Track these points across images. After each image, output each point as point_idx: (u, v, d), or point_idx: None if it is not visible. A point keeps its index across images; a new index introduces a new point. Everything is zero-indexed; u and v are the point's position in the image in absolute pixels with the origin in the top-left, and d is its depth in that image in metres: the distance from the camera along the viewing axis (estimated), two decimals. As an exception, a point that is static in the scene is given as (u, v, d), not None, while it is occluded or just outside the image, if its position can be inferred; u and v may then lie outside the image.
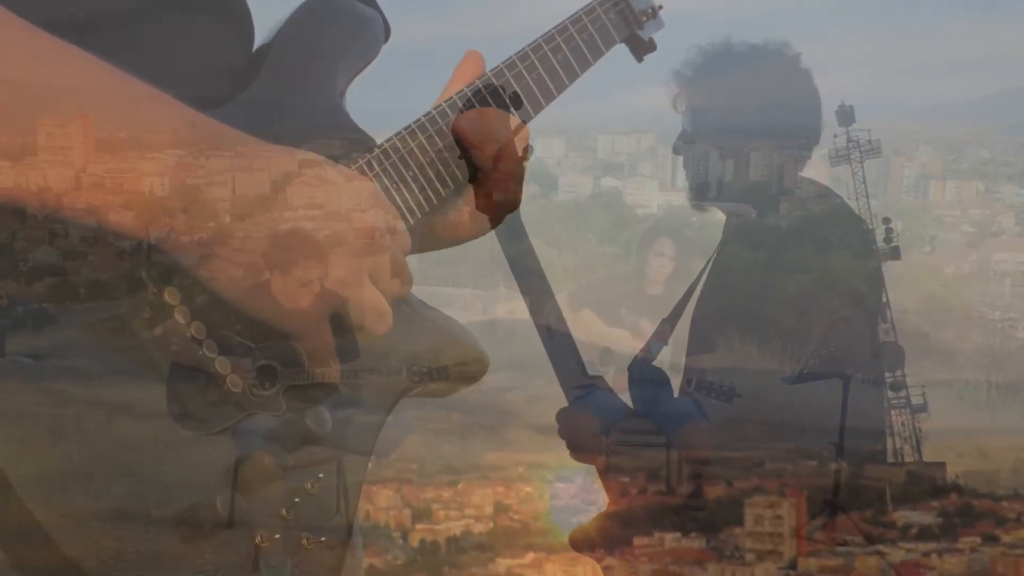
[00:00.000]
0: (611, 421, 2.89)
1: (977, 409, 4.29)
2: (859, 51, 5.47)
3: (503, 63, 1.31)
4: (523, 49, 1.32)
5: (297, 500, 1.15)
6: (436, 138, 1.25)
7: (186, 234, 1.08)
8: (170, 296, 1.09)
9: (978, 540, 3.06)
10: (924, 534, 3.06)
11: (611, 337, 3.56)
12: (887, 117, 5.29)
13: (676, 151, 3.12)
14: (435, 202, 1.25)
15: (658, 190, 4.75)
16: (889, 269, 4.85)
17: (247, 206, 1.09)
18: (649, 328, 3.10)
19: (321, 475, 1.17)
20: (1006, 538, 3.09)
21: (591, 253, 4.66)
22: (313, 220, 1.11)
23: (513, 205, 1.30)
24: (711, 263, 3.07)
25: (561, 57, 1.33)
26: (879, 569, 2.95)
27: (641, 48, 1.43)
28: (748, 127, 3.04)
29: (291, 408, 1.15)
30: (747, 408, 2.92)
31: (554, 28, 1.34)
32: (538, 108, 1.32)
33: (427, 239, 1.31)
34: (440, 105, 1.27)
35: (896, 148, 5.09)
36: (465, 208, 1.29)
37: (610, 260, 4.60)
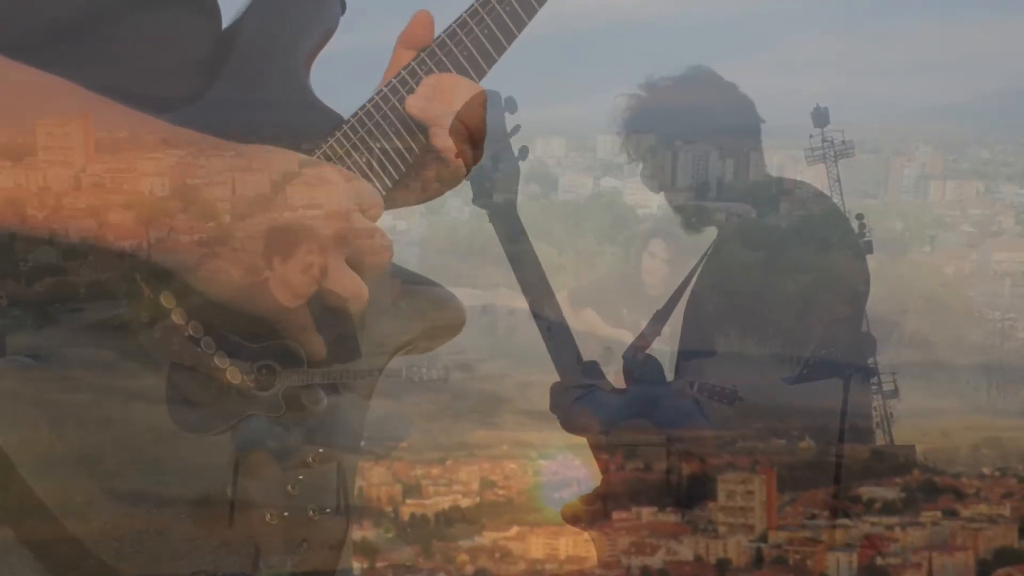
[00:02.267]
0: (612, 420, 2.92)
1: (977, 406, 4.30)
2: (859, 51, 5.48)
3: (455, 22, 1.30)
4: (472, 5, 1.30)
5: (301, 477, 1.17)
6: (399, 106, 1.26)
7: (186, 234, 1.08)
8: (166, 299, 1.11)
9: (939, 514, 3.20)
10: (888, 508, 3.19)
11: (613, 337, 3.57)
12: (887, 117, 5.29)
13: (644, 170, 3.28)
14: (407, 168, 1.25)
15: (693, 194, 4.73)
16: (890, 269, 4.85)
17: (246, 206, 1.09)
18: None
19: (321, 449, 1.19)
20: (965, 512, 3.22)
21: (591, 253, 4.66)
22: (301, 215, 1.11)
23: (476, 160, 1.30)
24: (705, 260, 3.13)
25: (508, 7, 1.31)
26: (846, 541, 3.06)
27: None
28: (701, 137, 3.21)
29: (290, 409, 1.16)
30: (744, 405, 2.97)
31: None
32: (492, 62, 1.31)
33: (400, 197, 1.31)
34: (400, 73, 1.27)
35: (896, 148, 5.09)
36: (430, 170, 1.29)
37: (610, 260, 4.60)
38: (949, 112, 5.27)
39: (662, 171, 3.25)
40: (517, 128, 2.61)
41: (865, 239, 3.27)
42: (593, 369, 2.91)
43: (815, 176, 3.45)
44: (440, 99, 1.25)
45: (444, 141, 1.25)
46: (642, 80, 3.19)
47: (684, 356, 3.04)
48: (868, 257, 3.25)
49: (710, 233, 3.20)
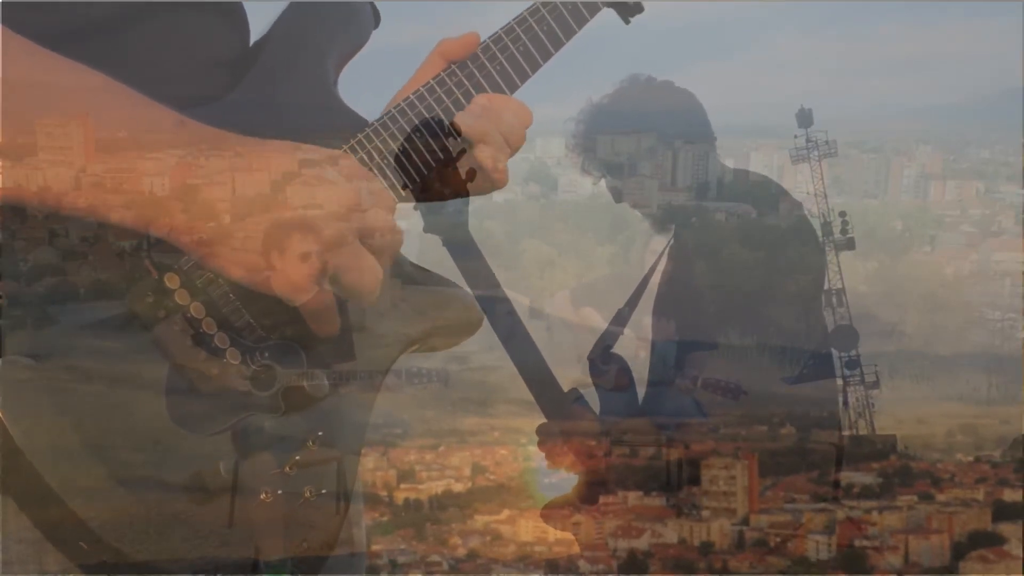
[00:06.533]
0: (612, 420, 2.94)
1: (976, 402, 4.32)
2: (859, 51, 5.47)
3: (490, 38, 1.33)
4: (508, 23, 1.33)
5: (298, 457, 1.18)
6: (426, 113, 1.28)
7: (186, 234, 1.08)
8: (170, 281, 1.12)
9: (915, 498, 3.30)
10: (866, 493, 3.31)
11: (609, 335, 3.57)
12: (887, 117, 5.29)
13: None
14: (429, 170, 1.27)
15: (658, 190, 4.74)
16: (890, 269, 4.84)
17: (247, 206, 1.10)
18: (649, 327, 3.13)
19: (321, 432, 1.20)
20: (940, 496, 3.32)
21: (591, 253, 4.66)
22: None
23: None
24: (666, 251, 3.17)
25: (546, 27, 1.34)
26: (825, 525, 3.14)
27: (627, 10, 1.44)
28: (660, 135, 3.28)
29: (290, 408, 1.16)
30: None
31: (538, 0, 1.35)
32: (525, 78, 1.34)
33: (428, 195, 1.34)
34: (429, 82, 1.29)
35: (896, 148, 5.09)
36: (465, 176, 1.32)
37: (610, 260, 4.61)
38: (949, 112, 5.27)
39: (623, 184, 3.31)
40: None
41: (848, 236, 3.33)
42: (579, 401, 2.92)
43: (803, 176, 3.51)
44: (489, 117, 1.27)
45: (489, 158, 1.28)
46: (583, 104, 3.24)
47: (658, 350, 3.07)
48: (851, 253, 3.37)
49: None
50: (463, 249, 2.42)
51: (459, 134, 1.28)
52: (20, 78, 1.06)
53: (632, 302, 3.10)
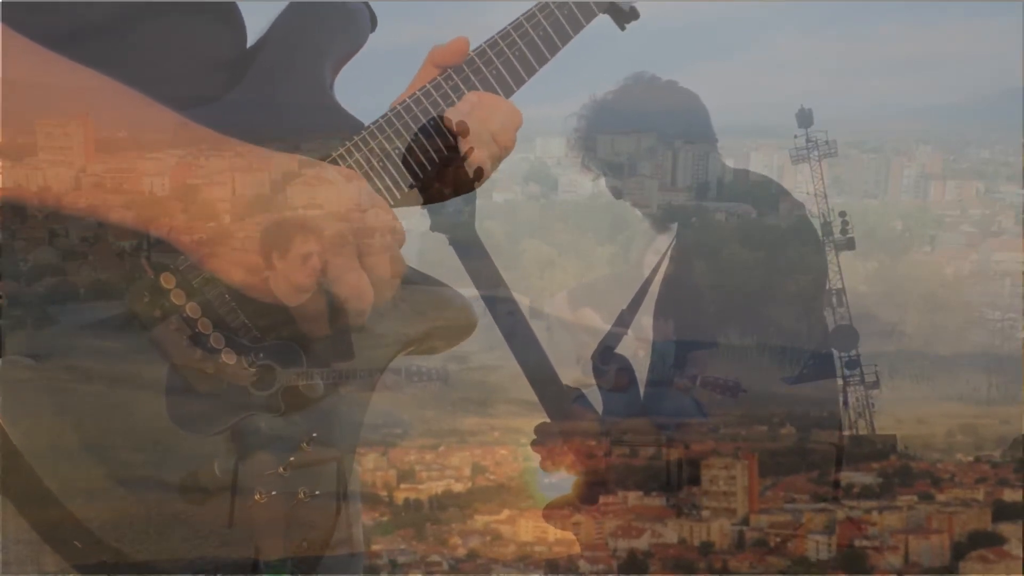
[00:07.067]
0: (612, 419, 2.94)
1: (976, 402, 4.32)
2: (859, 51, 5.47)
3: (485, 42, 1.34)
4: (505, 28, 1.34)
5: (292, 459, 1.18)
6: (421, 117, 1.28)
7: (186, 234, 1.08)
8: (166, 281, 1.12)
9: (915, 498, 3.31)
10: (866, 493, 3.31)
11: (612, 336, 3.57)
12: (887, 117, 5.29)
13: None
14: (424, 174, 1.28)
15: (658, 190, 4.74)
16: (890, 269, 4.84)
17: (247, 206, 1.10)
18: (650, 327, 3.13)
19: (315, 434, 1.20)
20: (940, 496, 3.33)
21: (591, 253, 4.66)
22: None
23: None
24: (668, 253, 3.17)
25: (542, 32, 1.35)
26: (825, 525, 3.15)
27: (623, 17, 1.44)
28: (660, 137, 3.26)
29: (288, 409, 1.16)
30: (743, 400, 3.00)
31: (534, 5, 1.35)
32: (521, 82, 1.34)
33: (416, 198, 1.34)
34: (425, 86, 1.29)
35: (896, 148, 5.09)
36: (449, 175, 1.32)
37: (610, 260, 4.60)
38: (949, 112, 5.27)
39: (623, 184, 3.31)
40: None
41: (848, 236, 3.33)
42: (579, 399, 2.92)
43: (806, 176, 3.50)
44: (478, 115, 1.27)
45: (473, 151, 1.28)
46: (585, 99, 3.22)
47: (658, 350, 3.07)
48: (851, 253, 3.38)
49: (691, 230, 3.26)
50: (468, 248, 2.43)
51: (448, 130, 1.28)
52: (20, 78, 1.06)
53: (634, 304, 3.10)
